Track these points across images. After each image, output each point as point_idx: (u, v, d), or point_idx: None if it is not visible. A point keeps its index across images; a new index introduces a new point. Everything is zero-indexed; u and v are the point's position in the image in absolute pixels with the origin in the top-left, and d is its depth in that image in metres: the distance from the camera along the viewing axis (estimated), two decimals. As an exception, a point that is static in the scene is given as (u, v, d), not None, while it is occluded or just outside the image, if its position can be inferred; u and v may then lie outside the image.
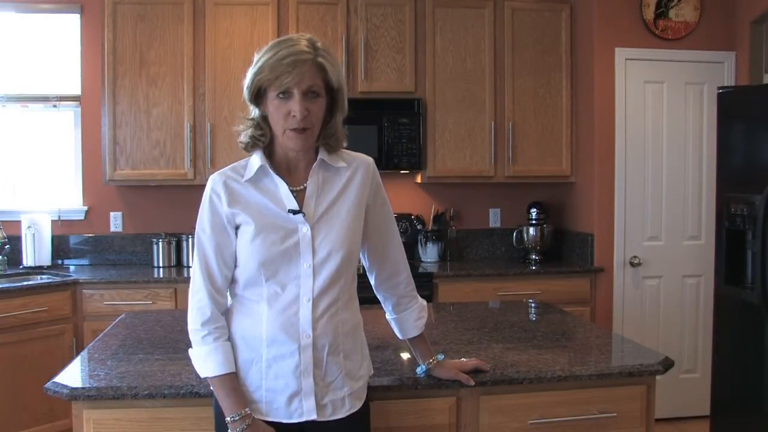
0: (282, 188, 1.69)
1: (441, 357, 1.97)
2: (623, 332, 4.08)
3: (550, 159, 4.50)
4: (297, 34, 1.70)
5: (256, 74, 1.63)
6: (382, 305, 1.95)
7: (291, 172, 1.72)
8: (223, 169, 1.73)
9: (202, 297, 1.68)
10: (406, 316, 1.91)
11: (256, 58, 1.65)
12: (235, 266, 1.71)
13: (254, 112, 1.70)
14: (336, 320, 1.69)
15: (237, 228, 1.69)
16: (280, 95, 1.61)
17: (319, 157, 1.72)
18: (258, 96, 1.67)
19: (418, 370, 1.98)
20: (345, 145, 1.77)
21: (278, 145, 1.71)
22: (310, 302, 1.66)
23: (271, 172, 1.69)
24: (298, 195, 1.70)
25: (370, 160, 1.81)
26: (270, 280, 1.66)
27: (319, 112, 1.65)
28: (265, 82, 1.62)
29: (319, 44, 1.65)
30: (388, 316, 1.95)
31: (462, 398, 2.01)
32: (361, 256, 1.85)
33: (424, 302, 1.96)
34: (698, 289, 4.31)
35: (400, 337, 1.95)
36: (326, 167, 1.74)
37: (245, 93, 1.68)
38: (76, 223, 4.51)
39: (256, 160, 1.70)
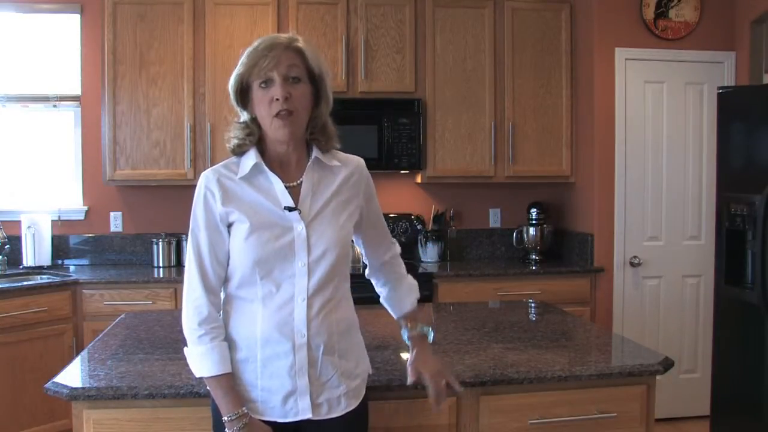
0: (277, 185, 1.69)
1: (430, 334, 1.93)
2: (623, 332, 4.08)
3: (550, 159, 4.50)
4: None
5: (236, 70, 1.67)
6: (376, 289, 1.98)
7: (283, 170, 1.72)
8: (215, 167, 1.73)
9: (199, 296, 1.67)
10: (396, 294, 1.95)
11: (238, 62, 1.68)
12: (228, 265, 1.70)
13: (243, 116, 1.72)
14: (330, 320, 1.69)
15: (229, 226, 1.68)
16: (262, 84, 1.63)
17: (314, 155, 1.73)
18: (243, 95, 1.68)
19: (402, 332, 1.95)
20: (338, 146, 1.78)
21: (269, 143, 1.71)
22: (305, 301, 1.66)
23: (266, 169, 1.69)
24: (292, 191, 1.70)
25: (363, 161, 1.84)
26: (264, 279, 1.65)
27: (302, 97, 1.65)
28: (245, 75, 1.65)
29: (299, 37, 1.69)
30: (381, 298, 1.98)
31: (462, 398, 2.01)
32: (358, 246, 1.91)
33: (415, 282, 1.99)
34: (698, 289, 4.31)
35: (395, 315, 1.97)
36: (321, 166, 1.74)
37: (231, 95, 1.70)
38: (76, 223, 4.51)
39: (250, 157, 1.70)
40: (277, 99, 1.61)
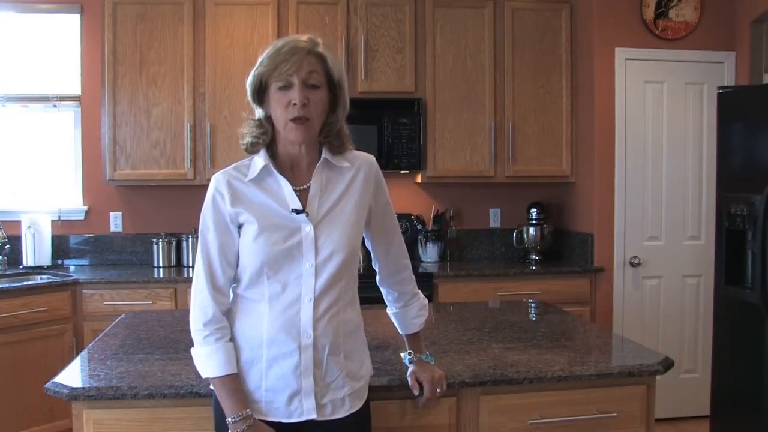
0: (286, 188, 1.69)
1: (431, 359, 1.97)
2: (623, 332, 4.08)
3: (550, 159, 4.50)
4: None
5: (256, 69, 1.66)
6: (384, 299, 1.98)
7: (294, 172, 1.72)
8: (226, 168, 1.74)
9: (205, 297, 1.67)
10: (406, 312, 1.94)
11: (258, 60, 1.67)
12: (237, 265, 1.71)
13: (258, 112, 1.72)
14: (337, 320, 1.70)
15: (240, 227, 1.69)
16: (281, 87, 1.63)
17: (323, 156, 1.73)
18: (260, 94, 1.68)
19: (403, 355, 1.99)
20: (352, 147, 1.78)
21: (281, 144, 1.71)
22: (312, 302, 1.66)
23: (275, 171, 1.70)
24: (302, 194, 1.70)
25: (373, 159, 1.83)
26: (272, 279, 1.66)
27: (319, 103, 1.66)
28: (265, 75, 1.64)
29: (319, 41, 1.68)
30: (389, 310, 1.98)
31: (462, 398, 2.01)
32: (369, 249, 1.90)
33: (426, 300, 1.99)
34: (698, 289, 4.31)
35: (400, 331, 1.98)
36: (330, 167, 1.74)
37: (248, 92, 1.69)
38: (76, 223, 4.51)
39: (259, 159, 1.70)
40: (295, 104, 1.61)
